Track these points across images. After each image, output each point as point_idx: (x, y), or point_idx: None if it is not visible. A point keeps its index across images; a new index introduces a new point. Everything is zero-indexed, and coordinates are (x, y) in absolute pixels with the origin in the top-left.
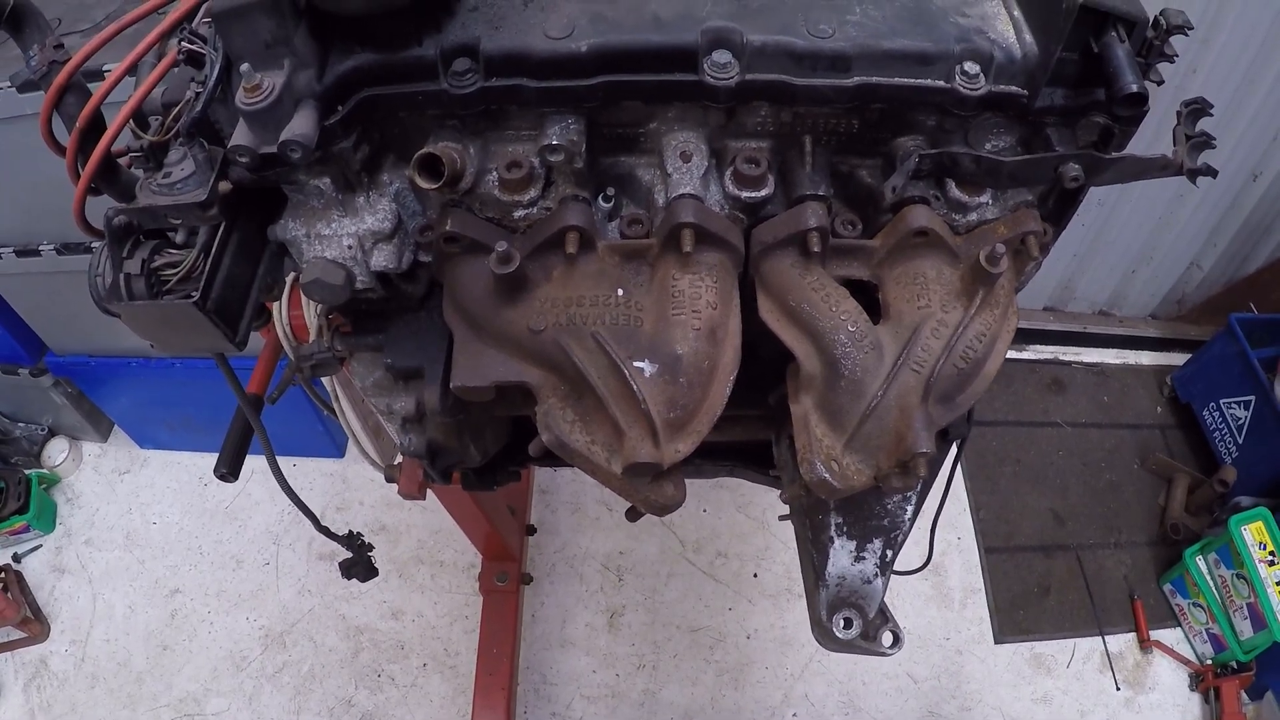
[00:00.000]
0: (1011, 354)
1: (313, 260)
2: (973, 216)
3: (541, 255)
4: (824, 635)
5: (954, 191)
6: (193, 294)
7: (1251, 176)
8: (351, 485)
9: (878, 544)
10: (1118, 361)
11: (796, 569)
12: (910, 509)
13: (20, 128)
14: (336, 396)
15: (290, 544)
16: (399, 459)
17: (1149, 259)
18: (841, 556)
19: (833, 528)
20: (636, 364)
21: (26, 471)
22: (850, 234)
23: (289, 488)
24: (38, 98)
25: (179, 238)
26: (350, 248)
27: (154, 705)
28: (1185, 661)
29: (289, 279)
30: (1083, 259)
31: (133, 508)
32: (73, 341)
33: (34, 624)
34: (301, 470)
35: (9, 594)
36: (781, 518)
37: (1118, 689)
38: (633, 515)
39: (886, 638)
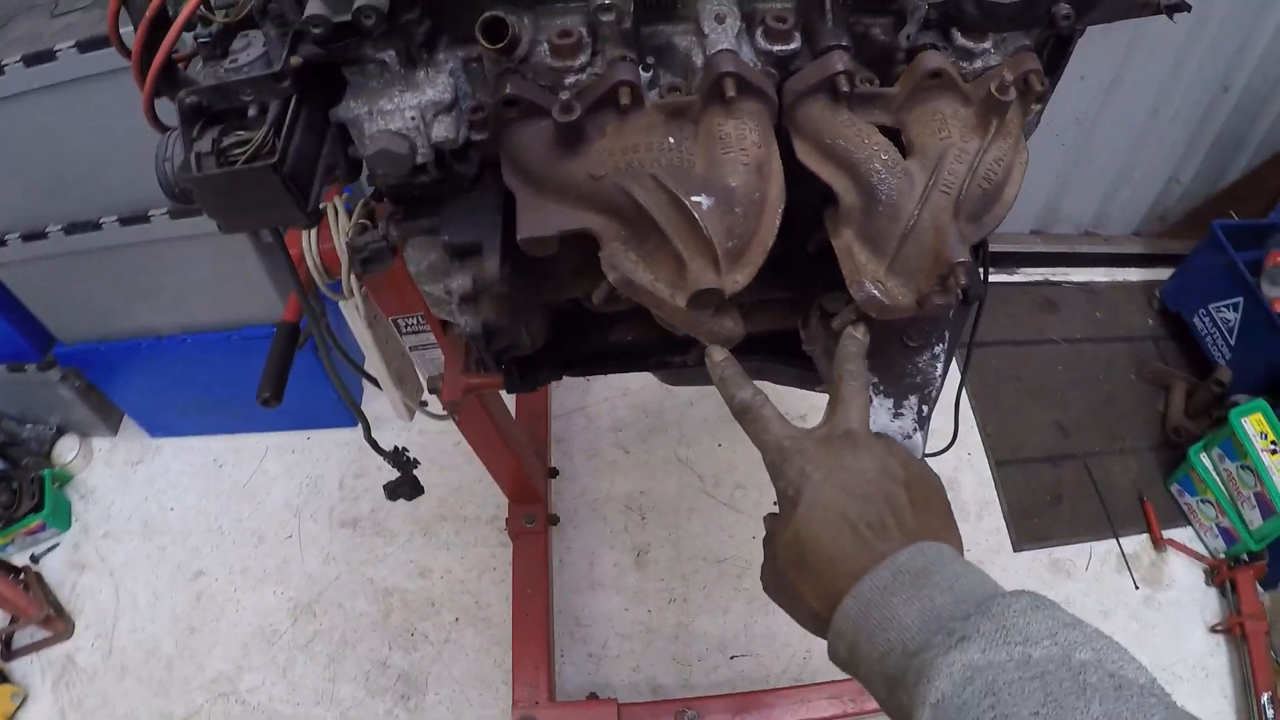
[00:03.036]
0: (1002, 277)
1: (376, 133)
2: (978, 64)
3: (595, 114)
4: None
5: (960, 40)
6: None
7: (1222, 89)
8: (368, 452)
9: (913, 400)
10: (1106, 279)
11: None
12: (940, 366)
13: (25, 105)
14: (367, 329)
15: (311, 515)
16: (424, 395)
17: (1129, 177)
18: (881, 414)
19: (870, 388)
20: (694, 198)
21: (39, 471)
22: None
23: (342, 385)
24: (43, 72)
25: (251, 112)
26: (413, 119)
27: (187, 689)
28: (1199, 557)
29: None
30: (1065, 180)
31: (148, 496)
32: (82, 327)
33: (57, 621)
34: (317, 441)
35: (30, 593)
36: (819, 389)
37: (1136, 588)
38: (696, 358)
39: None
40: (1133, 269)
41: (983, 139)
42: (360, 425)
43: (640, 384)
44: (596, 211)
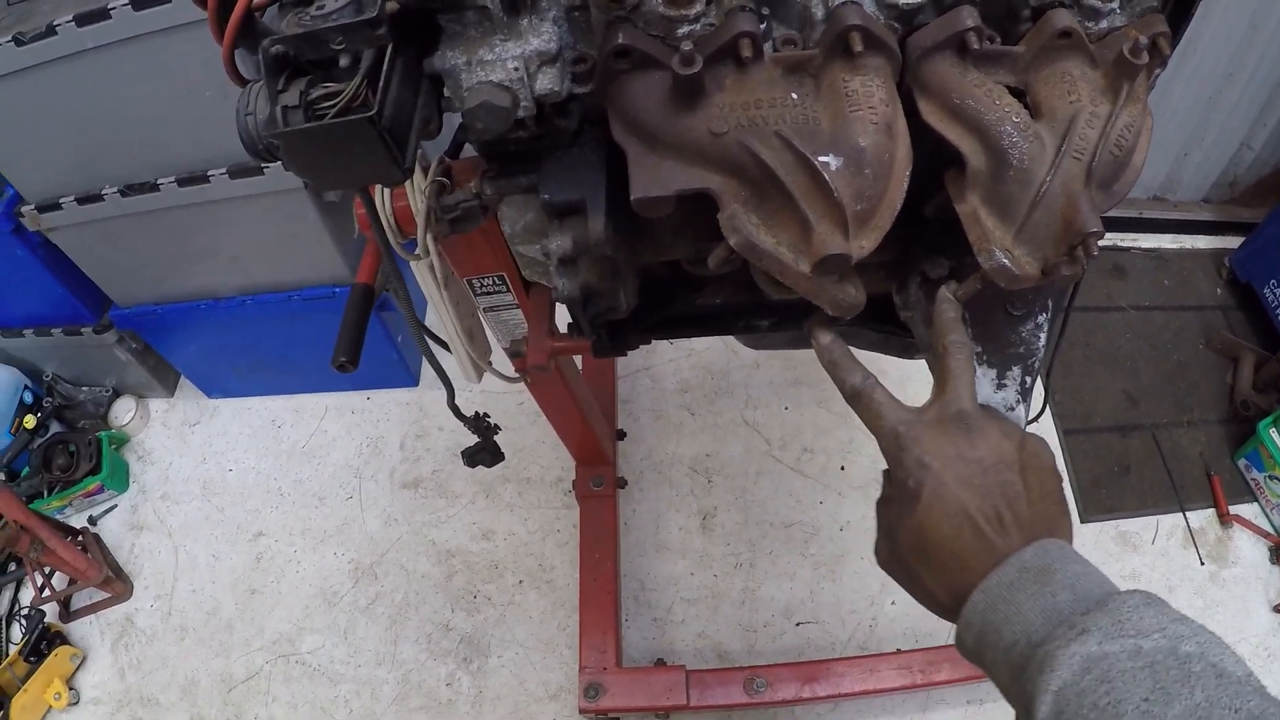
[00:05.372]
0: None
1: (476, 86)
2: (1104, 24)
3: (712, 66)
4: None
5: None
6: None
7: None
8: (429, 413)
9: (1017, 371)
10: (1174, 246)
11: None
12: (1043, 336)
13: (77, 66)
14: (440, 289)
15: (372, 475)
16: (492, 358)
17: (1200, 141)
18: (984, 385)
19: (974, 358)
20: (822, 159)
21: (96, 433)
22: (995, 45)
23: (428, 349)
24: (97, 31)
25: (343, 62)
26: (516, 69)
27: (247, 650)
28: (1265, 535)
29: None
30: None
31: (207, 457)
32: (138, 290)
33: (116, 583)
34: (377, 402)
35: (89, 555)
36: (915, 356)
37: (1202, 564)
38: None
39: None
40: (1201, 236)
41: (1114, 103)
42: (445, 390)
43: (705, 345)
44: (716, 170)
